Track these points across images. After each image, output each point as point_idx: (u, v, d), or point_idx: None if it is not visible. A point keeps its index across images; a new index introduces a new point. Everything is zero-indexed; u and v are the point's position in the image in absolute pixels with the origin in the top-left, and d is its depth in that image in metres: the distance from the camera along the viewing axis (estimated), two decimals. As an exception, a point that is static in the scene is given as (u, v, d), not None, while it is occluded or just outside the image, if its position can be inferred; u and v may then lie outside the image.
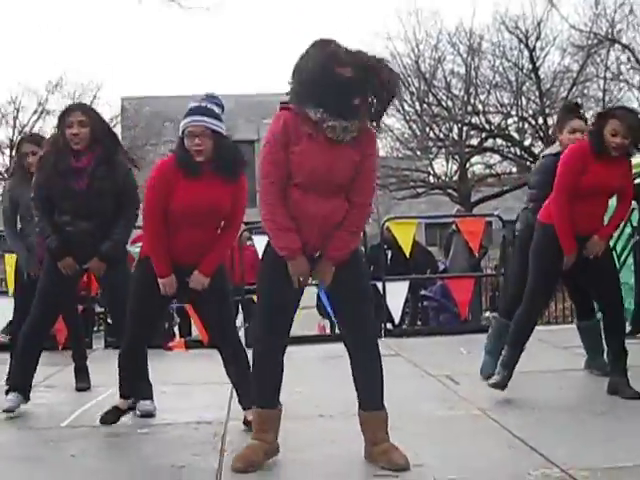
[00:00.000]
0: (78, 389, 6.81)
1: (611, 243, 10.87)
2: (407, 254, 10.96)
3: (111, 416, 5.43)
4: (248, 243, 11.58)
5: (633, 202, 9.02)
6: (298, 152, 4.31)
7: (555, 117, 16.27)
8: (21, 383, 5.98)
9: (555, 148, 6.71)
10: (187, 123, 5.10)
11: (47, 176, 5.81)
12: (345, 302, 4.57)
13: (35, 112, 35.30)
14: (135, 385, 5.76)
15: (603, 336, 6.35)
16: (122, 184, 5.82)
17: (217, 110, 5.20)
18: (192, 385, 6.84)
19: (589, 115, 26.67)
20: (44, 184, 5.85)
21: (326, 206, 4.37)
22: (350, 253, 4.47)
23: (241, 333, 9.46)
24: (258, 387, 4.62)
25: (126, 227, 5.92)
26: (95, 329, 10.49)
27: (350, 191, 4.43)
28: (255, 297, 9.51)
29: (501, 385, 5.87)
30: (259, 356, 4.58)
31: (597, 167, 5.82)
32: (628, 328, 8.84)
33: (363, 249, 11.35)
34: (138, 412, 5.78)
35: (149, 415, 5.76)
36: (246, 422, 5.16)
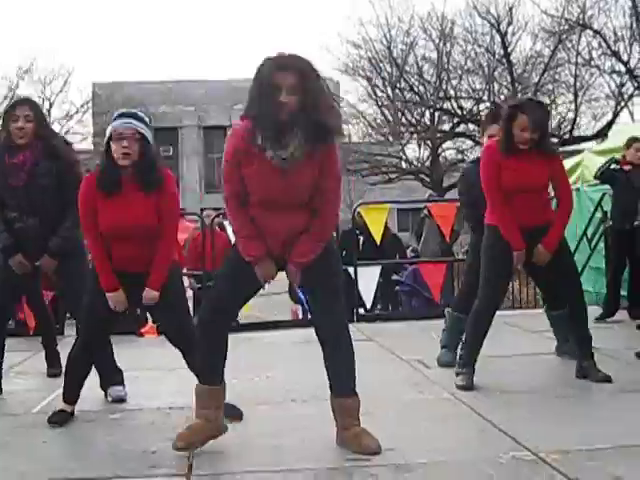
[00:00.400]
0: (49, 375, 6.76)
1: (582, 227, 11.00)
2: (378, 239, 10.99)
3: (58, 418, 5.22)
4: (219, 229, 11.56)
5: (605, 186, 9.12)
6: (250, 174, 4.34)
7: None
8: None
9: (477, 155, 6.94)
10: (115, 126, 4.97)
11: None
12: (316, 293, 4.61)
13: (6, 98, 34.97)
14: (105, 372, 5.80)
15: (568, 323, 6.39)
16: (66, 179, 5.71)
17: (146, 118, 5.15)
18: (163, 370, 6.81)
19: (560, 101, 26.73)
20: None
21: (288, 221, 4.41)
22: (315, 257, 4.47)
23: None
24: (202, 364, 4.65)
25: (74, 222, 5.66)
26: (68, 316, 10.39)
27: (313, 200, 4.43)
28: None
29: (469, 386, 5.87)
30: (204, 333, 4.61)
31: (511, 163, 5.84)
32: (599, 312, 8.95)
33: (335, 234, 11.39)
34: (110, 398, 5.79)
35: (121, 400, 5.77)
36: None
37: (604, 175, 9.16)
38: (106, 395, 5.83)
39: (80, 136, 34.67)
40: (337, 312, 4.62)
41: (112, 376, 5.89)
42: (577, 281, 6.29)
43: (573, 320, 6.16)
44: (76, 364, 5.30)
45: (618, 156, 9.18)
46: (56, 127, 29.36)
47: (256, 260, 4.43)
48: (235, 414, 5.01)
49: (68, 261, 5.78)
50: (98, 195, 5.02)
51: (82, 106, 36.04)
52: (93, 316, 5.22)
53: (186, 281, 10.78)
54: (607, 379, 5.83)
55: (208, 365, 4.61)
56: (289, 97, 4.20)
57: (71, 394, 5.30)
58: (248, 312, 10.19)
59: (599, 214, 10.88)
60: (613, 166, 9.06)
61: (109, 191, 5.00)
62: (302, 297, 10.19)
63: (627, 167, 8.91)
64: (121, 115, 5.07)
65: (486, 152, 6.12)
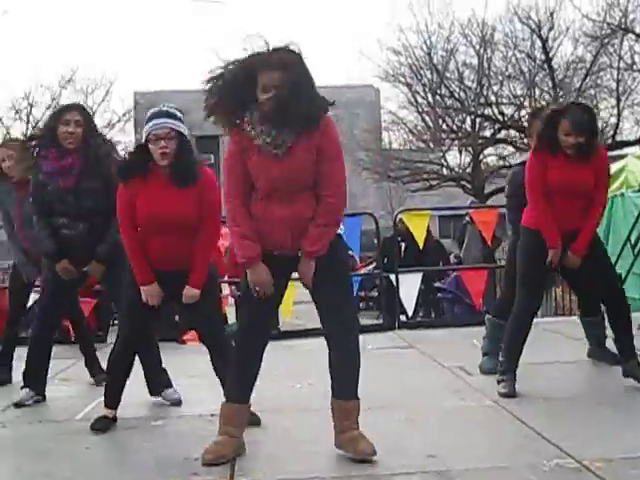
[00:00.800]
0: (97, 382, 6.70)
1: (626, 233, 10.87)
2: (421, 245, 10.99)
3: (100, 424, 5.26)
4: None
5: None
6: (252, 165, 4.40)
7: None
8: (34, 379, 6.05)
9: (525, 156, 6.84)
10: (150, 128, 5.01)
11: (39, 177, 5.87)
12: (322, 291, 4.57)
13: (48, 107, 35.31)
14: (155, 377, 5.94)
15: (608, 324, 6.34)
16: (113, 183, 5.59)
17: (178, 113, 5.16)
18: (205, 378, 6.80)
19: (602, 106, 26.51)
20: (39, 185, 5.89)
21: (291, 207, 4.41)
22: (327, 246, 4.47)
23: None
24: (232, 381, 4.67)
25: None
26: (111, 323, 10.47)
27: (317, 185, 4.45)
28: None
29: (511, 393, 5.82)
30: (238, 351, 4.66)
31: (558, 164, 5.81)
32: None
33: (376, 242, 11.38)
34: (167, 401, 5.91)
35: (178, 403, 5.89)
36: None
37: None
38: (161, 398, 5.96)
39: (122, 144, 34.98)
40: (346, 313, 4.62)
41: (163, 380, 5.96)
42: (613, 280, 6.24)
43: (613, 319, 6.12)
44: (116, 363, 5.36)
45: None
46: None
47: (249, 262, 4.42)
48: (253, 421, 5.02)
49: (115, 267, 5.80)
50: (137, 189, 5.06)
51: (124, 115, 36.34)
52: (132, 311, 5.28)
53: (227, 289, 10.84)
54: None
55: (239, 383, 4.64)
56: (269, 94, 4.29)
57: (112, 399, 5.35)
58: (288, 319, 10.24)
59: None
60: None
61: (143, 176, 5.06)
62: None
63: None
64: (154, 116, 5.07)
65: (535, 153, 6.04)
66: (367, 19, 51.63)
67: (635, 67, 27.43)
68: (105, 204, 5.68)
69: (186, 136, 5.12)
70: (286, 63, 4.30)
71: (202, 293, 5.17)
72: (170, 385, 6.02)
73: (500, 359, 6.12)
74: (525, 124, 31.01)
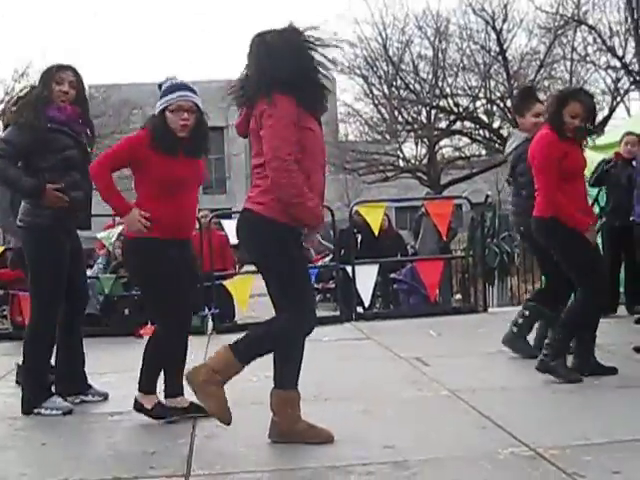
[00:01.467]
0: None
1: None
2: (376, 237, 11.03)
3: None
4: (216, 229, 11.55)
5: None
6: (313, 133, 4.51)
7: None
8: None
9: (523, 133, 6.81)
10: (177, 97, 5.11)
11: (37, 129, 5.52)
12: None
13: (1, 101, 34.93)
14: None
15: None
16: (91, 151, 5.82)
17: (195, 88, 5.28)
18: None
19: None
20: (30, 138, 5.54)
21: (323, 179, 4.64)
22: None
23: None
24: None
25: None
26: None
27: None
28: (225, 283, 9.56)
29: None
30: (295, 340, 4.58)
31: (572, 149, 5.91)
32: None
33: (332, 233, 11.38)
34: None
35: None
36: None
37: (598, 180, 9.18)
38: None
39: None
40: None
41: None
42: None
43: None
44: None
45: (608, 156, 9.20)
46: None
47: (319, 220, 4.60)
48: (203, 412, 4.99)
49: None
50: (152, 151, 5.09)
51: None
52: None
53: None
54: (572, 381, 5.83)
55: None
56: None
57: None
58: (245, 311, 10.23)
59: (596, 210, 10.89)
60: (605, 167, 9.07)
61: (167, 151, 5.09)
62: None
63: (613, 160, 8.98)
64: (176, 87, 5.16)
65: (553, 139, 5.97)
66: (322, 11, 51.54)
67: (588, 59, 27.69)
68: None
69: (202, 111, 5.26)
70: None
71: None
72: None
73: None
74: (480, 116, 31.31)
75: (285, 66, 4.39)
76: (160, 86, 5.22)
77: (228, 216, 12.18)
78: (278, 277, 4.52)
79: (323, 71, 4.54)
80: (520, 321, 6.79)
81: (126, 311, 9.92)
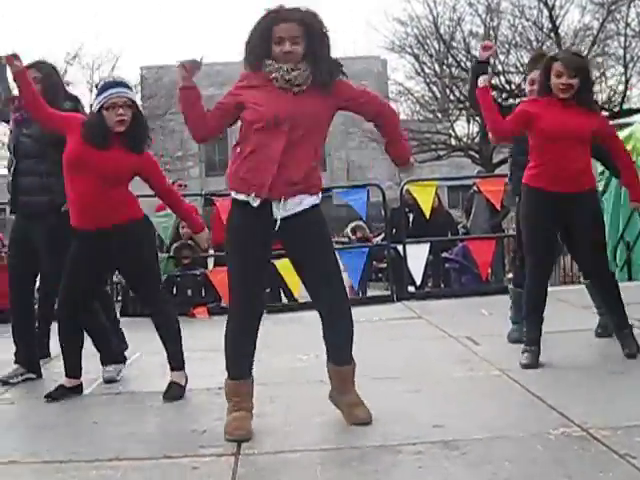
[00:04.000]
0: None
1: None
2: (427, 216, 10.97)
3: (56, 394, 5.48)
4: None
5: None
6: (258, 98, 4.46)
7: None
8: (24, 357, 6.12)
9: None
10: (109, 95, 5.23)
11: None
12: (311, 264, 4.56)
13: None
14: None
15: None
16: None
17: (130, 84, 5.58)
18: (214, 351, 6.80)
19: (610, 74, 26.33)
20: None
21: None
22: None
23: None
24: (228, 358, 4.64)
25: None
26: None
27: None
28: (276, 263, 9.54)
29: (534, 364, 5.79)
30: (232, 328, 4.62)
31: (552, 112, 5.75)
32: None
33: (384, 212, 11.34)
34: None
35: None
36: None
37: None
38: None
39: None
40: (336, 283, 4.59)
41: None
42: (602, 255, 6.19)
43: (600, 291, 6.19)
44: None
45: None
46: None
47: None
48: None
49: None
50: (85, 146, 5.26)
51: (132, 90, 36.30)
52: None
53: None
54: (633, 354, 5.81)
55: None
56: (294, 47, 4.35)
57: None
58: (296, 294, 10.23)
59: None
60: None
61: (97, 146, 5.23)
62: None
63: None
64: (109, 85, 5.32)
65: (529, 101, 6.10)
66: (373, -10, 51.36)
67: (643, 34, 27.29)
68: None
69: (138, 107, 5.47)
70: (304, 19, 4.39)
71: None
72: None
73: (524, 331, 6.09)
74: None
75: None
76: (96, 86, 5.39)
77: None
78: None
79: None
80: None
81: (188, 292, 9.98)
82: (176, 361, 5.52)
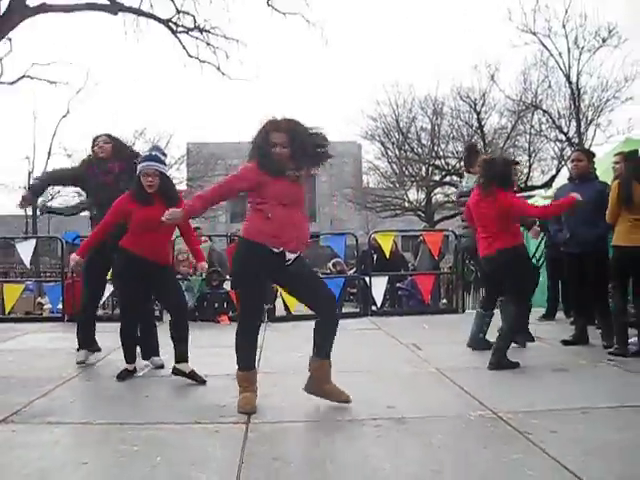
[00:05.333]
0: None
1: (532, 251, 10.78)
2: (387, 257, 10.99)
3: (124, 375, 5.47)
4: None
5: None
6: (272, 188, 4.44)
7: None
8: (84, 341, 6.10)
9: (471, 182, 6.80)
10: (144, 166, 5.30)
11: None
12: (307, 286, 4.56)
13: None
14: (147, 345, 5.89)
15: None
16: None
17: (162, 157, 5.51)
18: (233, 348, 6.81)
19: (519, 160, 26.47)
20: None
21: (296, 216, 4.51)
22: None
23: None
24: (240, 355, 4.59)
25: None
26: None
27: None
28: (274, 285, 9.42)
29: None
30: (243, 332, 4.58)
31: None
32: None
33: (356, 253, 11.35)
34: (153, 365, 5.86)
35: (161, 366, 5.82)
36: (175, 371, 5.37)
37: None
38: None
39: (177, 180, 34.82)
40: (331, 295, 4.63)
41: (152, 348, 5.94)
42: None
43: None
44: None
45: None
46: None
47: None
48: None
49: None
50: (134, 205, 5.30)
51: (179, 159, 36.20)
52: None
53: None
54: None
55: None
56: (282, 150, 4.38)
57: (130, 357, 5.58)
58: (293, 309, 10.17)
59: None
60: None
61: (144, 203, 5.28)
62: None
63: None
64: (146, 158, 5.39)
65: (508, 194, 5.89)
66: (353, 94, 51.61)
67: (542, 133, 27.63)
68: None
69: (166, 174, 5.46)
70: (290, 129, 4.39)
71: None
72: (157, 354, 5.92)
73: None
74: (464, 172, 31.12)
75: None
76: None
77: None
78: None
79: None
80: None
81: (215, 305, 9.92)
82: (184, 355, 5.46)
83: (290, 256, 4.43)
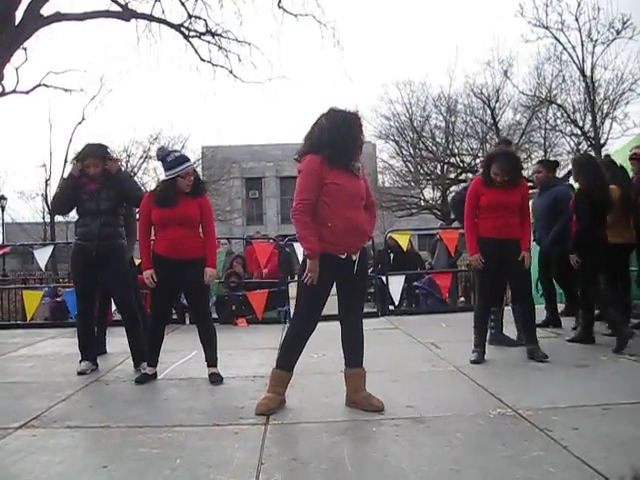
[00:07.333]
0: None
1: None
2: (405, 251, 11.03)
3: (142, 379, 5.49)
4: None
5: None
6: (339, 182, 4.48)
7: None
8: (88, 352, 5.99)
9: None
10: (184, 168, 5.39)
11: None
12: (350, 290, 4.53)
13: (141, 157, 35.56)
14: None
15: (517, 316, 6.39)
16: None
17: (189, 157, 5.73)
18: (251, 349, 6.84)
19: (534, 156, 26.39)
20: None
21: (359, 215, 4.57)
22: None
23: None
24: (284, 354, 4.55)
25: None
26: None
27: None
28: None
29: (479, 361, 5.82)
30: (296, 333, 4.54)
31: (490, 191, 5.88)
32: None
33: (372, 252, 11.34)
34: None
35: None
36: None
37: None
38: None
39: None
40: (361, 306, 4.65)
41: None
42: (528, 284, 6.17)
43: (522, 314, 6.14)
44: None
45: None
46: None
47: (313, 254, 4.28)
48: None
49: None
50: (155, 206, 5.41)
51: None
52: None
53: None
54: (546, 357, 5.75)
55: (290, 356, 4.56)
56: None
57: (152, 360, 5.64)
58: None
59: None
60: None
61: (166, 205, 5.36)
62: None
63: None
64: (185, 160, 5.49)
65: (473, 184, 6.12)
66: (367, 95, 51.58)
67: (557, 128, 27.42)
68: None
69: (197, 173, 5.67)
70: None
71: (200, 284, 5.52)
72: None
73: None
74: (479, 169, 31.01)
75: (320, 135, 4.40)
76: (158, 156, 5.54)
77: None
78: None
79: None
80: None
81: (233, 307, 9.93)
82: (214, 360, 5.50)
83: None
